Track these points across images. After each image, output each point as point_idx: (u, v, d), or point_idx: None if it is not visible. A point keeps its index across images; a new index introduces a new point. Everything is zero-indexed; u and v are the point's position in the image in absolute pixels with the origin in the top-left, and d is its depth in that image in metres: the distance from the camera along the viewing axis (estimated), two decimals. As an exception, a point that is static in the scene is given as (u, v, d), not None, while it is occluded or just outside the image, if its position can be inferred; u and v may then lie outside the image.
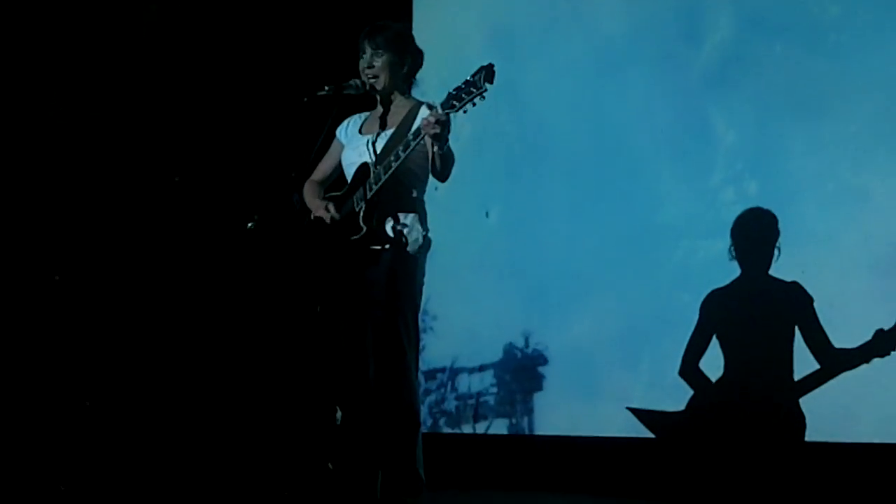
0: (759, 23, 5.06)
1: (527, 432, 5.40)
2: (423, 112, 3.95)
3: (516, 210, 5.48)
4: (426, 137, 3.78)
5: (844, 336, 4.76)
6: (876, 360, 4.66)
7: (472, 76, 3.71)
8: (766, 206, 5.00)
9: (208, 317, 5.45)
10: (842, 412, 4.76)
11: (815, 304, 4.83)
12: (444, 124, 3.72)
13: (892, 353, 4.65)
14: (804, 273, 4.86)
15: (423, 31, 5.31)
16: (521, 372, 5.40)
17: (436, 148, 3.81)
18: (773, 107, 5.00)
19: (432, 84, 5.02)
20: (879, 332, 4.66)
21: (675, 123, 5.20)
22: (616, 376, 5.21)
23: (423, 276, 4.10)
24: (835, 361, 4.75)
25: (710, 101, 5.14)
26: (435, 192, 4.13)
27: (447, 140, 3.79)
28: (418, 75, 4.25)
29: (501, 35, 5.55)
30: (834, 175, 4.92)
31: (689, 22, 5.23)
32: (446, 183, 4.04)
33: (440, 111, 3.75)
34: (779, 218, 4.97)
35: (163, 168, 5.52)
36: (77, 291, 5.47)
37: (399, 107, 4.09)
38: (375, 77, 4.06)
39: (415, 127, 3.89)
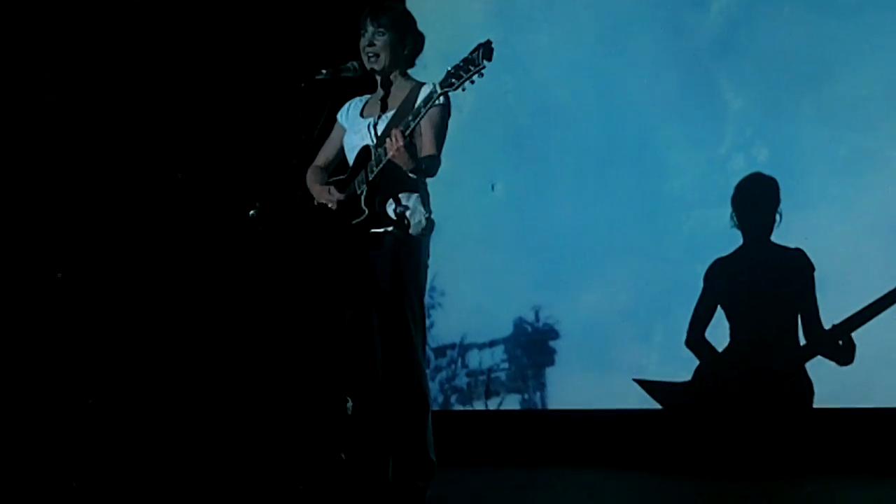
0: (766, -15, 5.02)
1: (539, 407, 5.36)
2: (424, 92, 3.89)
3: (522, 182, 5.39)
4: (395, 160, 3.80)
5: (855, 302, 4.75)
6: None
7: (471, 53, 3.70)
8: (777, 173, 4.98)
9: (213, 308, 5.41)
10: (850, 377, 4.76)
11: (829, 271, 4.82)
12: (406, 146, 3.75)
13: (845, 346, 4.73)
14: (807, 239, 4.85)
15: (420, 5, 5.24)
16: (532, 346, 5.35)
17: (407, 171, 3.85)
18: (781, 71, 4.96)
19: (434, 58, 4.95)
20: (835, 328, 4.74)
21: (682, 90, 5.13)
22: (629, 349, 5.17)
23: (428, 257, 4.08)
24: (815, 341, 4.79)
25: (717, 67, 5.08)
26: (439, 166, 4.06)
27: (415, 159, 3.82)
28: (418, 52, 4.20)
29: (502, 4, 5.44)
30: (846, 139, 4.88)
31: (694, -15, 5.17)
32: (451, 157, 4.04)
33: (438, 89, 3.75)
34: (791, 184, 4.95)
35: (161, 160, 5.46)
36: (80, 287, 5.43)
37: (399, 88, 4.05)
38: (376, 56, 4.01)
39: (416, 106, 3.85)
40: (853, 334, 4.73)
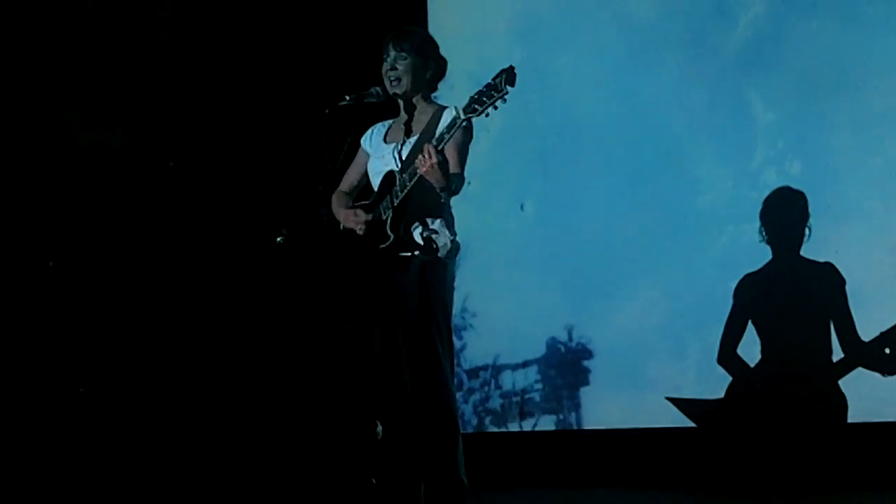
0: (792, -2, 4.98)
1: (575, 427, 5.31)
2: (447, 116, 3.88)
3: (552, 201, 5.37)
4: (427, 176, 3.76)
5: (893, 315, 4.68)
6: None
7: (494, 79, 3.68)
8: (810, 186, 4.92)
9: (242, 334, 5.43)
10: (886, 391, 4.67)
11: (866, 284, 4.75)
12: (439, 161, 3.71)
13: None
14: (837, 252, 4.78)
15: (443, 27, 5.26)
16: (566, 366, 5.31)
17: (439, 188, 3.81)
18: (811, 83, 4.90)
19: (460, 79, 4.96)
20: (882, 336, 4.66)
21: (711, 105, 5.09)
22: (664, 367, 5.13)
23: (454, 280, 4.04)
24: (855, 353, 4.71)
25: (746, 81, 5.03)
26: (468, 188, 4.05)
27: (447, 176, 3.77)
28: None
29: (526, 23, 5.43)
30: (880, 150, 4.81)
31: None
32: (480, 178, 4.03)
33: (462, 115, 3.72)
34: (825, 197, 4.88)
35: (187, 186, 5.50)
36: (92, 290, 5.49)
37: (422, 113, 4.04)
38: (398, 80, 4.00)
39: (438, 131, 3.84)
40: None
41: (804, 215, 4.84)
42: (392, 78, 4.01)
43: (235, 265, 5.43)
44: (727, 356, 4.94)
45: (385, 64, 4.03)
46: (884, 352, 4.67)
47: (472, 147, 4.00)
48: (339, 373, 4.56)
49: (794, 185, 4.91)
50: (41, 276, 5.41)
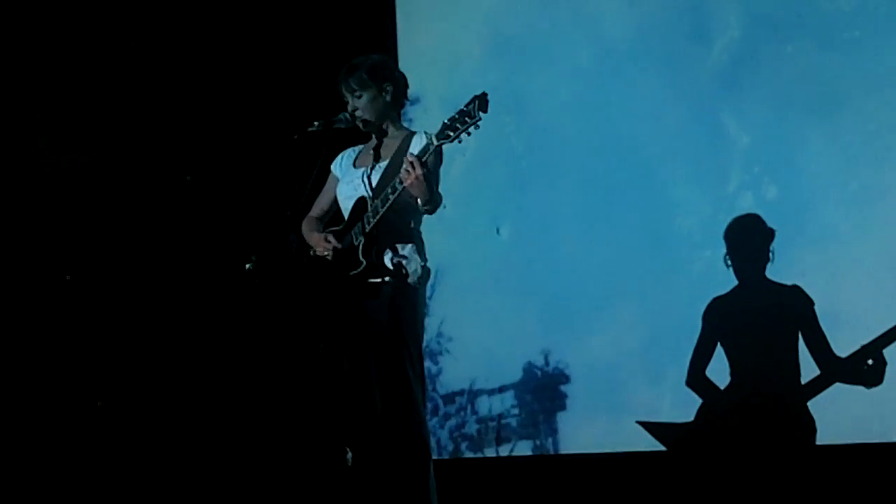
0: (768, 21, 4.93)
1: (552, 452, 5.27)
2: (416, 141, 3.87)
3: (528, 225, 5.35)
4: (411, 189, 3.74)
5: (868, 336, 4.61)
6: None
7: (466, 105, 3.69)
8: (787, 210, 4.87)
9: (213, 362, 5.41)
10: (853, 413, 4.63)
11: (842, 306, 4.70)
12: (424, 174, 3.70)
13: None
14: (805, 277, 4.73)
15: (415, 50, 5.24)
16: (543, 391, 5.27)
17: (420, 202, 3.78)
18: (788, 107, 4.87)
19: (433, 101, 4.94)
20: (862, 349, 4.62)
21: (687, 128, 5.06)
22: (640, 391, 5.08)
23: (425, 306, 4.07)
24: (832, 369, 4.67)
25: (722, 104, 5.00)
26: (443, 211, 4.04)
27: (431, 188, 3.75)
28: (418, 94, 4.19)
29: (500, 45, 5.41)
30: (856, 174, 4.78)
31: (696, 22, 5.09)
32: (456, 201, 3.99)
33: (435, 141, 3.73)
34: (802, 220, 4.84)
35: (152, 206, 5.49)
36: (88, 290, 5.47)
37: (392, 138, 4.04)
38: (362, 116, 4.01)
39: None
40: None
41: (767, 238, 4.81)
42: (357, 117, 4.01)
43: (204, 292, 5.41)
44: (696, 379, 4.91)
45: (348, 106, 4.03)
46: (866, 364, 4.63)
47: (446, 170, 4.04)
48: (310, 399, 4.53)
49: (770, 209, 4.87)
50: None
